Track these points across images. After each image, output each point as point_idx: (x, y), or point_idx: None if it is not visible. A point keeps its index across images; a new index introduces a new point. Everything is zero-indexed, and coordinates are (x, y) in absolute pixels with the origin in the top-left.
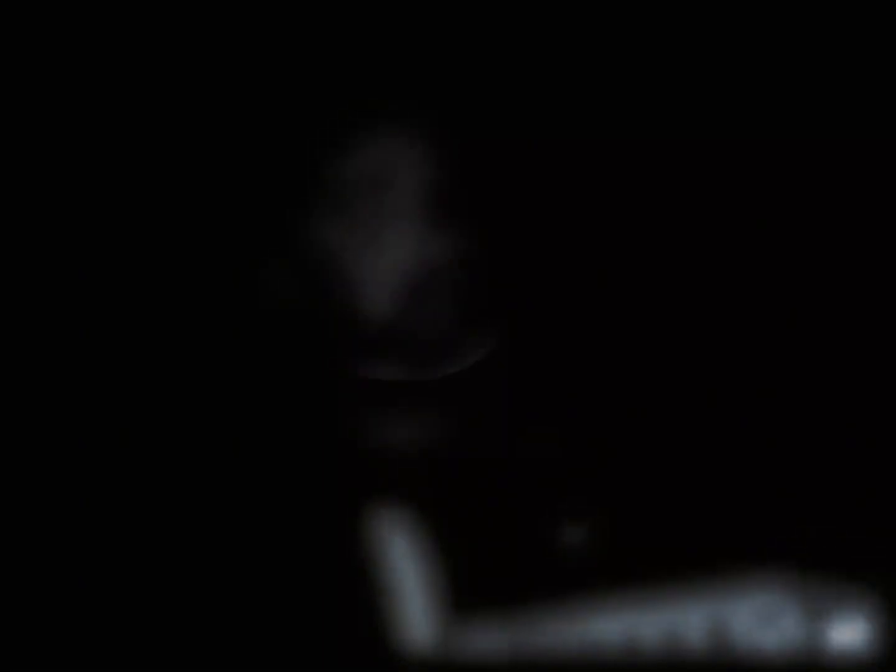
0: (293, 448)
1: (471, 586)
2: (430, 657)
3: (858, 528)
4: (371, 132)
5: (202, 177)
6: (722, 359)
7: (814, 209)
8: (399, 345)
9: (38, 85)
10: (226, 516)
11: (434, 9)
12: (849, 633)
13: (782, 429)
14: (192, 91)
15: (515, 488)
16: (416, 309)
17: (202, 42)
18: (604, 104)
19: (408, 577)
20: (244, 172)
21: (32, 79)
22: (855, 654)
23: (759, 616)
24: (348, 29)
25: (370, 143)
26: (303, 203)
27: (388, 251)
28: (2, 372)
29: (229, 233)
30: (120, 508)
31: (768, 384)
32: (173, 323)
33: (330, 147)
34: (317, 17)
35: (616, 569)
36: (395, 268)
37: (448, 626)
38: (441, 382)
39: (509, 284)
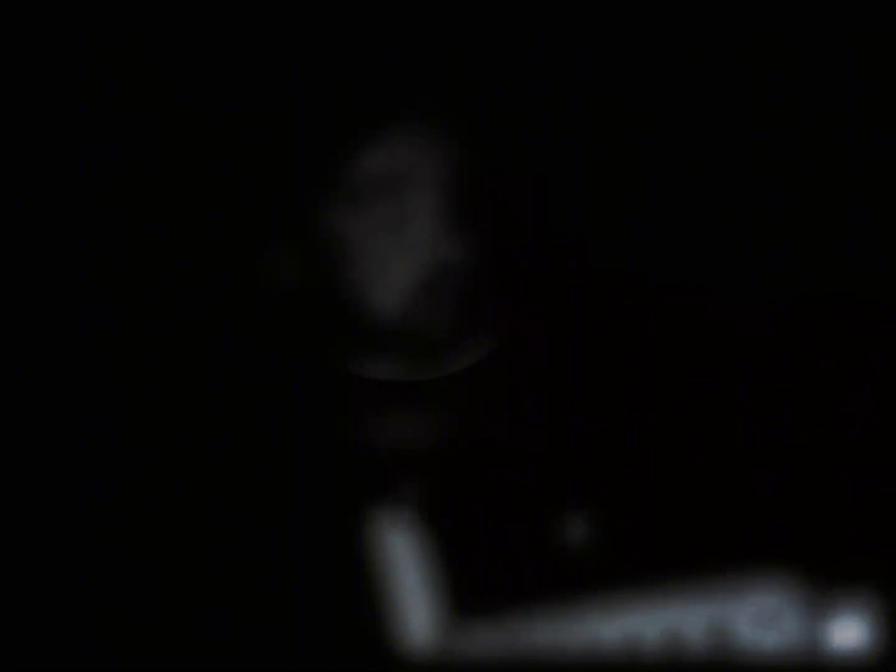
0: (292, 447)
1: (471, 586)
2: (430, 657)
3: (858, 528)
4: (388, 129)
5: (214, 168)
6: (721, 359)
7: (813, 207)
8: (400, 344)
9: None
10: (225, 516)
11: (456, 9)
12: (848, 633)
13: (781, 429)
14: (208, 83)
15: (515, 488)
16: (418, 308)
17: (219, 34)
18: (614, 107)
19: (408, 576)
20: (256, 164)
21: (33, 76)
22: (854, 655)
23: (758, 616)
24: (370, 25)
25: (385, 139)
26: (313, 196)
27: (392, 250)
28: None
29: (238, 223)
30: (118, 507)
31: (767, 384)
32: (174, 318)
33: (342, 141)
34: (339, 13)
35: (616, 569)
36: (399, 267)
37: (448, 626)
38: (441, 382)
39: (509, 284)
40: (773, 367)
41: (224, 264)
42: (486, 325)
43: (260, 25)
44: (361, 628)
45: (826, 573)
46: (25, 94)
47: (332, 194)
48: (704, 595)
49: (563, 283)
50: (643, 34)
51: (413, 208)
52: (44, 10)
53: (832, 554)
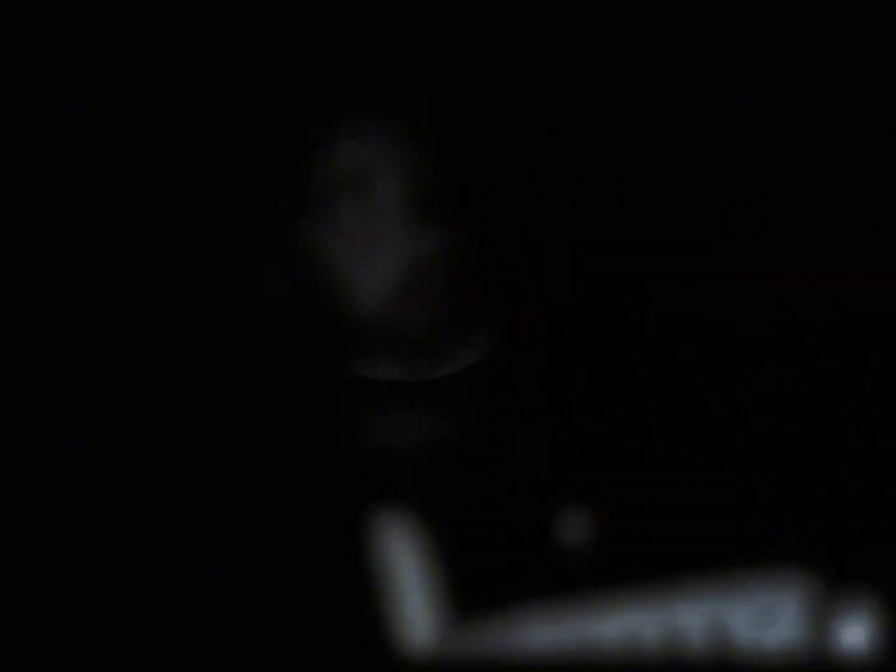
0: (290, 449)
1: (471, 586)
2: (430, 657)
3: (860, 528)
4: (356, 133)
5: (188, 180)
6: (720, 358)
7: (813, 207)
8: (397, 345)
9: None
10: (224, 518)
11: (414, 7)
12: (850, 634)
13: (783, 429)
14: (176, 91)
15: (515, 488)
16: (414, 309)
17: (185, 41)
18: (590, 98)
19: (407, 577)
20: (229, 175)
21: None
22: (856, 656)
23: (759, 616)
24: (330, 28)
25: (358, 144)
26: (293, 205)
27: (385, 251)
28: None
29: (218, 236)
30: (118, 507)
31: (771, 380)
32: (165, 326)
33: (319, 147)
34: (297, 18)
35: (616, 569)
36: (393, 268)
37: (448, 626)
38: (439, 382)
39: (507, 284)
40: (775, 363)
41: (213, 273)
42: (484, 325)
43: (222, 33)
44: (362, 629)
45: (828, 573)
46: (25, 94)
47: (309, 201)
48: (705, 595)
49: (563, 283)
50: (640, 33)
51: (395, 209)
52: (44, 10)
53: (834, 553)
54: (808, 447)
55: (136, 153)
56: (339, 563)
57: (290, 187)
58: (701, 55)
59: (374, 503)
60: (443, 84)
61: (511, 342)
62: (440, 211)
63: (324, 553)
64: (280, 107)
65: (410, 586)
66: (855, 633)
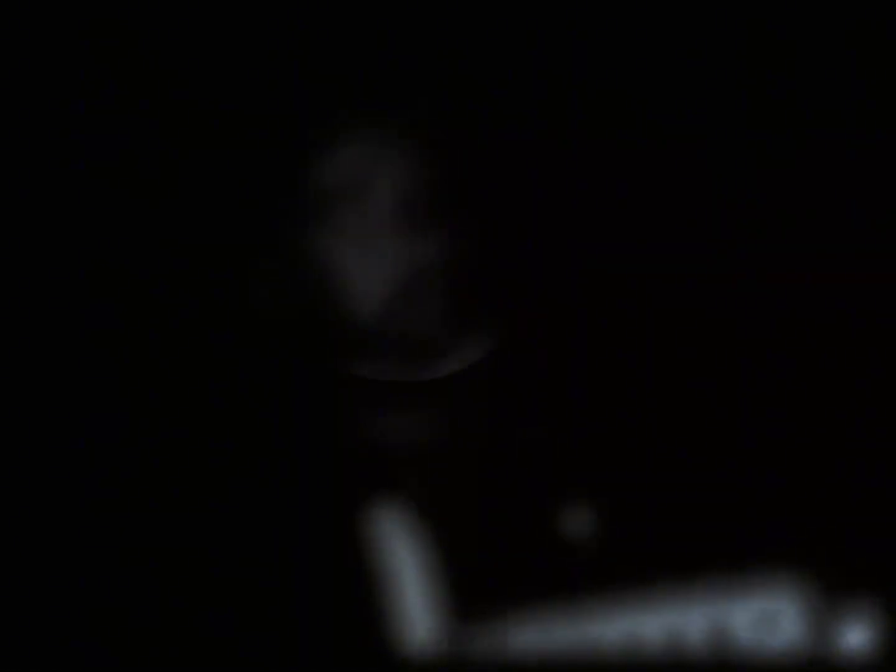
0: (290, 449)
1: (471, 586)
2: (430, 657)
3: (861, 530)
4: (356, 135)
5: (188, 180)
6: (722, 357)
7: (813, 207)
8: (397, 345)
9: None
10: (225, 518)
11: (412, 11)
12: (851, 635)
13: (784, 429)
14: (176, 91)
15: (515, 488)
16: (414, 309)
17: (185, 41)
18: (590, 98)
19: (408, 577)
20: (229, 176)
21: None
22: (857, 657)
23: (760, 617)
24: (330, 28)
25: (357, 145)
26: (292, 208)
27: (385, 251)
28: None
29: (218, 236)
30: (118, 507)
31: (772, 382)
32: (165, 326)
33: (317, 150)
34: (295, 24)
35: (616, 569)
36: (394, 267)
37: (448, 626)
38: (439, 382)
39: (507, 284)
40: (777, 365)
41: (219, 266)
42: (484, 325)
43: (225, 38)
44: (362, 629)
45: (829, 575)
46: (26, 93)
47: (309, 203)
48: (706, 596)
49: (563, 283)
50: (641, 34)
51: (393, 211)
52: (44, 10)
53: (836, 556)
54: (808, 449)
55: (136, 153)
56: (339, 563)
57: (290, 188)
58: (701, 55)
59: (374, 503)
60: (443, 84)
61: (511, 342)
62: (440, 211)
63: (324, 553)
64: (280, 107)
65: (410, 586)
66: (856, 636)
